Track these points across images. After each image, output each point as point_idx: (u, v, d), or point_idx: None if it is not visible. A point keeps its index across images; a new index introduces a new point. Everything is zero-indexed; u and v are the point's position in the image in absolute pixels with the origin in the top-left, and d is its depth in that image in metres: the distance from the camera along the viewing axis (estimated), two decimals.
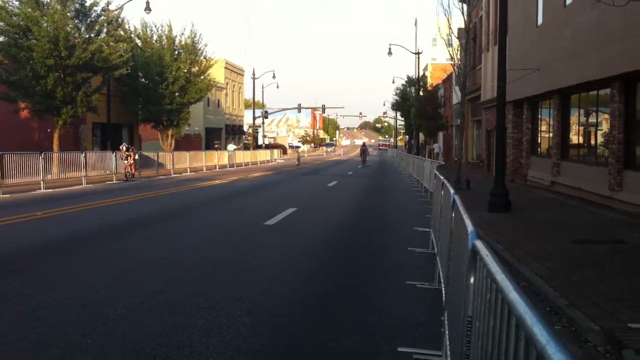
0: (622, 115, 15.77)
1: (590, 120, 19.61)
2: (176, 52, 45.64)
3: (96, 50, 32.27)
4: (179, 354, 5.16)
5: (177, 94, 44.42)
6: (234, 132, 76.79)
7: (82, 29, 33.44)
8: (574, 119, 20.97)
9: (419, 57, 57.91)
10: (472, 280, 3.20)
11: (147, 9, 38.89)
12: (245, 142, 79.24)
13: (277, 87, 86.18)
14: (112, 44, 34.48)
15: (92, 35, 33.76)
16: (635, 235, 11.51)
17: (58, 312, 6.41)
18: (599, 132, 18.56)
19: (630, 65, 14.21)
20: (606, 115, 17.29)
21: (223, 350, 5.28)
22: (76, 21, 32.96)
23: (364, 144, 59.61)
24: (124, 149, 29.79)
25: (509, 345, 2.09)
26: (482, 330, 2.77)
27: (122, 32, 37.77)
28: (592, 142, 19.27)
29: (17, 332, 5.73)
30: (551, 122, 22.36)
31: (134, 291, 7.34)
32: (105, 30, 34.48)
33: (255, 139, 78.88)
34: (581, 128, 20.57)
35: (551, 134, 22.34)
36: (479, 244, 3.05)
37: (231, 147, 59.48)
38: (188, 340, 5.51)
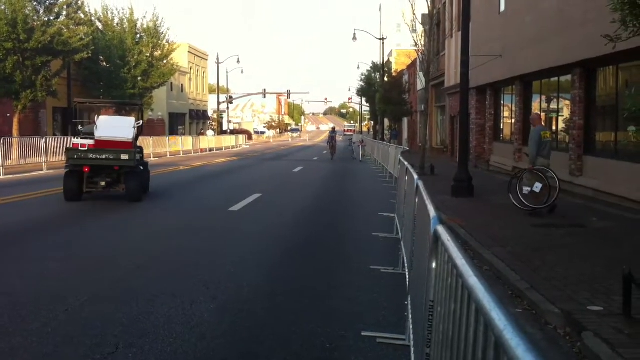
0: (583, 101, 16.03)
1: (551, 107, 19.90)
2: (138, 35, 44.90)
3: (56, 33, 31.60)
4: (142, 342, 5.11)
5: (139, 78, 43.73)
6: (199, 117, 76.00)
7: (41, 12, 32.71)
8: (535, 105, 21.25)
9: (383, 43, 57.97)
10: (434, 265, 3.22)
11: None
12: (210, 127, 78.59)
13: (242, 72, 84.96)
14: (72, 27, 33.81)
15: (52, 18, 33.05)
16: (594, 219, 11.76)
17: (16, 300, 6.28)
18: (560, 118, 18.85)
19: (591, 52, 14.42)
20: (567, 102, 17.57)
21: (187, 337, 5.24)
22: (35, 3, 32.20)
23: (333, 129, 45.53)
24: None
25: (468, 330, 2.11)
26: (443, 314, 2.79)
27: (82, 15, 37.09)
28: (554, 127, 19.56)
29: None
30: (513, 108, 22.63)
31: (95, 280, 7.24)
32: (64, 13, 33.77)
33: (220, 124, 78.19)
34: (543, 114, 20.86)
35: (513, 120, 22.62)
36: (441, 229, 3.07)
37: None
38: (151, 327, 5.46)
